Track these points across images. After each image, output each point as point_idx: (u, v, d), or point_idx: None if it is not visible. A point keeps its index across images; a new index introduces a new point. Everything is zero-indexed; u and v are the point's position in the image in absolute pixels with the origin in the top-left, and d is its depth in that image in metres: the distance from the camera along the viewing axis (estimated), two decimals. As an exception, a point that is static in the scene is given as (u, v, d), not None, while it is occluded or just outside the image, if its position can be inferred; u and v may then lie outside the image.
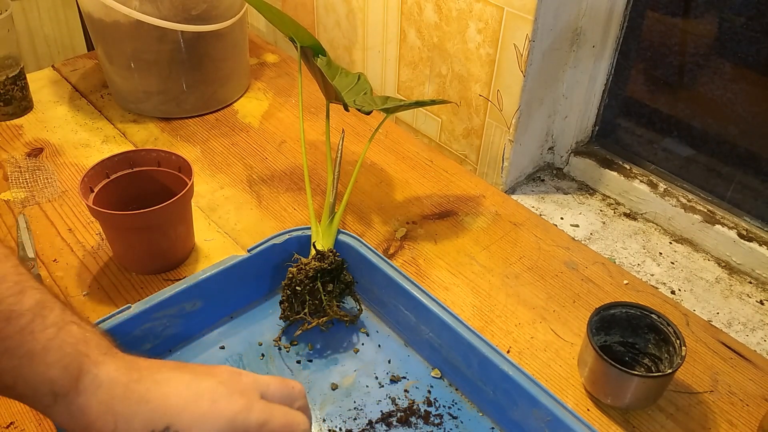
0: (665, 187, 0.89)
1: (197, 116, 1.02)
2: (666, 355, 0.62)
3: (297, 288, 0.67)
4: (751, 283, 0.81)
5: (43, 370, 0.42)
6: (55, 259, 0.76)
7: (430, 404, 0.64)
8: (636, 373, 0.59)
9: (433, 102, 0.79)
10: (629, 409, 0.63)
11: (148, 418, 0.43)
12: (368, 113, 0.76)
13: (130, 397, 0.44)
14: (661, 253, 0.85)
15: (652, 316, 0.63)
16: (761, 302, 0.78)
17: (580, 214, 0.91)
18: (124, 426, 0.43)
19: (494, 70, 0.86)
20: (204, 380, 0.46)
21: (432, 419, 0.62)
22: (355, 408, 0.63)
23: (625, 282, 0.76)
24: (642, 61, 0.89)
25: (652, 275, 0.81)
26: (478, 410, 0.63)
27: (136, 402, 0.44)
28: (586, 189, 0.96)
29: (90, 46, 1.39)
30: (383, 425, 0.62)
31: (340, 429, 0.61)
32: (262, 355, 0.68)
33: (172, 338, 0.67)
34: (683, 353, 0.59)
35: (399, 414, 0.62)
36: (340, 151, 0.77)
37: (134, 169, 0.75)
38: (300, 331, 0.68)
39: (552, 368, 0.67)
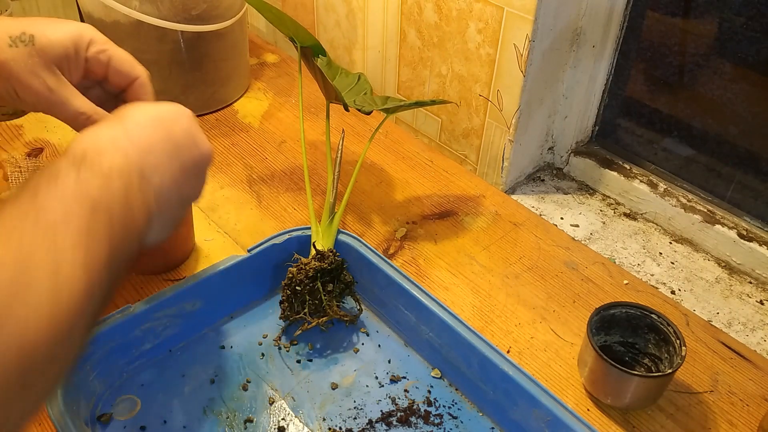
0: (665, 187, 0.89)
1: (197, 116, 1.01)
2: (666, 355, 0.63)
3: (297, 288, 0.67)
4: (751, 283, 0.81)
5: None
6: (55, 259, 0.76)
7: (430, 404, 0.64)
8: (636, 373, 0.59)
9: (433, 102, 0.80)
10: (629, 409, 0.63)
11: None
12: (368, 113, 0.76)
13: None
14: (661, 253, 0.85)
15: (652, 316, 0.63)
16: (761, 302, 0.78)
17: (580, 214, 0.91)
18: None
19: (494, 70, 0.86)
20: None
21: (432, 419, 0.62)
22: (355, 408, 0.63)
23: (625, 282, 0.76)
24: (642, 61, 0.89)
25: (652, 275, 0.81)
26: (478, 410, 0.63)
27: None
28: (586, 189, 0.96)
29: (90, 46, 1.39)
30: (383, 425, 0.62)
31: (340, 428, 0.61)
32: (262, 354, 0.68)
33: (172, 338, 0.67)
34: (683, 353, 0.59)
35: (399, 414, 0.62)
36: (340, 151, 0.77)
37: (134, 169, 0.75)
38: (300, 331, 0.68)
39: (552, 368, 0.67)
